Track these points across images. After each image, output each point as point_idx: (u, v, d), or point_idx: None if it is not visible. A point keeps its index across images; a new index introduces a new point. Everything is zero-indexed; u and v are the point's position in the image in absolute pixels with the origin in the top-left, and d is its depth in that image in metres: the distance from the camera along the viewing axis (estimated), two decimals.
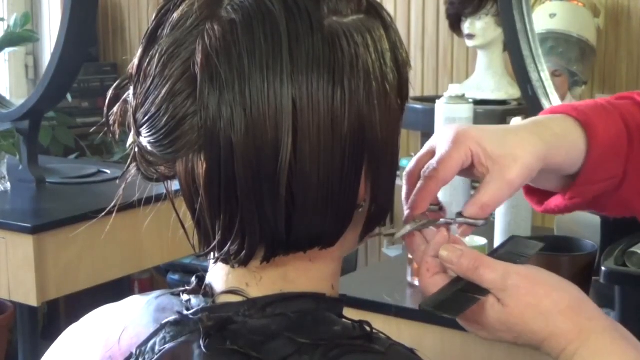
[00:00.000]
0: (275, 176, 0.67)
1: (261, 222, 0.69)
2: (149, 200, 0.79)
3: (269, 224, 0.69)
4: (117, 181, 0.77)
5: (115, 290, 2.58)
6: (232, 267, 0.74)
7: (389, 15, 0.75)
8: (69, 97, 3.24)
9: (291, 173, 0.68)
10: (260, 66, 0.67)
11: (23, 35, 2.79)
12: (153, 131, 0.70)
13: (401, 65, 0.74)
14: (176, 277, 3.31)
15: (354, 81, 0.69)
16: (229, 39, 0.67)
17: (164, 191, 0.76)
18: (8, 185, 2.40)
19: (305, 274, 0.75)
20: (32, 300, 2.11)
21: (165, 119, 0.69)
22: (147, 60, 0.71)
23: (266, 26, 0.67)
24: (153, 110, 0.70)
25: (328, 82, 0.68)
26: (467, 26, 2.91)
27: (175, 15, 0.70)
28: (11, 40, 2.78)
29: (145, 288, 3.76)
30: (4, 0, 3.70)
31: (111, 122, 0.75)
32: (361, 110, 0.69)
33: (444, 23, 3.14)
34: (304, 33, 0.68)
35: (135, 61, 0.72)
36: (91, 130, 3.41)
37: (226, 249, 0.71)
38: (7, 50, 2.90)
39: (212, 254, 0.73)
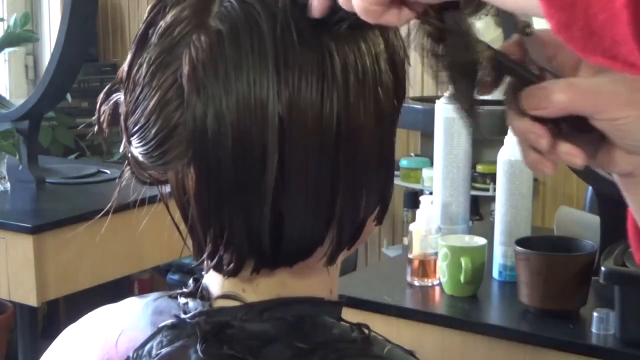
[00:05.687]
0: (262, 191, 0.67)
1: (248, 236, 0.69)
2: (148, 200, 0.79)
3: (257, 237, 0.69)
4: (116, 182, 0.77)
5: (115, 290, 2.58)
6: (224, 276, 0.73)
7: None
8: (68, 97, 3.24)
9: (277, 188, 0.67)
10: (247, 80, 0.65)
11: (23, 35, 2.79)
12: (143, 142, 0.69)
13: (398, 66, 0.72)
14: (176, 277, 3.30)
15: (344, 93, 0.67)
16: (215, 51, 0.66)
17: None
18: (8, 185, 2.40)
19: (302, 280, 0.74)
20: (32, 300, 2.11)
21: (154, 130, 0.68)
22: (136, 67, 0.70)
23: (253, 39, 0.66)
24: (142, 121, 0.69)
25: (317, 96, 0.66)
26: None
27: (163, 23, 0.69)
28: (11, 40, 2.78)
29: (145, 288, 3.77)
30: (4, 0, 3.70)
31: (102, 121, 0.74)
32: (352, 121, 0.68)
33: None
34: (291, 45, 0.66)
35: (125, 67, 0.71)
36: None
37: (216, 259, 0.71)
38: (7, 50, 2.90)
39: (205, 262, 0.73)
